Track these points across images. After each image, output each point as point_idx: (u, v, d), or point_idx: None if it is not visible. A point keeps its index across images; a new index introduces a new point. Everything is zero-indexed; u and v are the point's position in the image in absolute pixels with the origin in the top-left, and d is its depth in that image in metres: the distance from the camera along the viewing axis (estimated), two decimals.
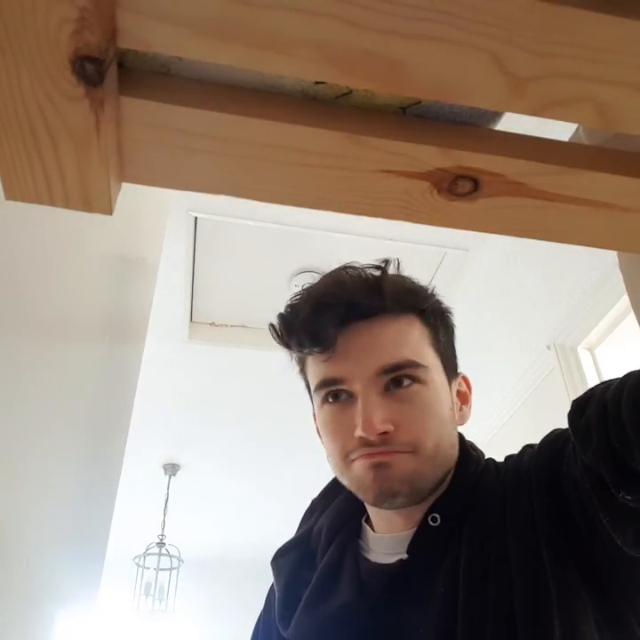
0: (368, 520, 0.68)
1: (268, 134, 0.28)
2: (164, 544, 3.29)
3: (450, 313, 0.69)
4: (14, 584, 0.80)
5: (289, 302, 0.65)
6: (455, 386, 0.66)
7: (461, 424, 0.66)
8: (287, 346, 0.64)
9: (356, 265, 0.64)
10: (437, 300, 0.67)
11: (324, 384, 0.62)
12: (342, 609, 0.59)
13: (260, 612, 0.74)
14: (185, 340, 2.40)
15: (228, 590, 3.96)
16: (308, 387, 0.68)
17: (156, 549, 3.27)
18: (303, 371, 0.68)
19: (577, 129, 0.41)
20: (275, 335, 0.65)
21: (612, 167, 0.31)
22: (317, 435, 0.71)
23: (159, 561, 3.26)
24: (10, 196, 0.28)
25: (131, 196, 1.17)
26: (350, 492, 0.69)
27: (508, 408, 2.47)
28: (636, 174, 0.31)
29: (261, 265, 2.16)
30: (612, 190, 0.32)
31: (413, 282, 0.67)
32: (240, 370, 2.60)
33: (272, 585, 0.72)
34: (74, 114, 0.24)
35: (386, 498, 0.59)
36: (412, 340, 0.62)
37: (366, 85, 0.26)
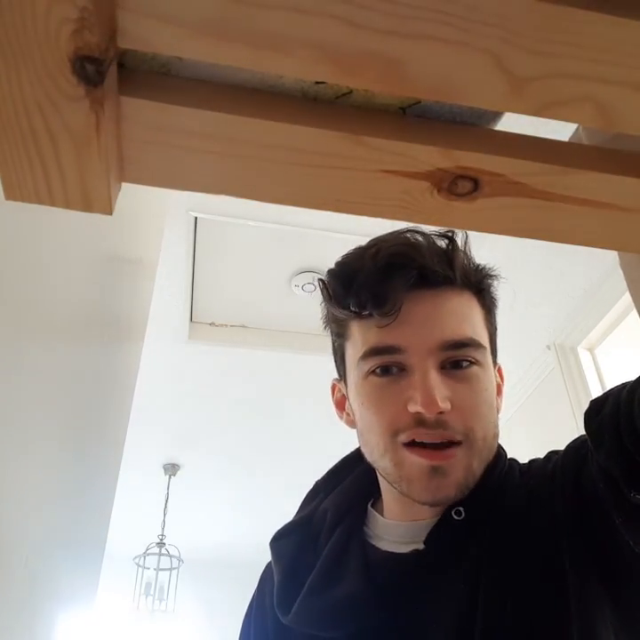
0: (374, 505, 0.65)
1: (268, 134, 0.28)
2: (164, 544, 3.29)
3: (497, 296, 0.66)
4: (13, 584, 0.80)
5: (340, 260, 0.60)
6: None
7: (497, 413, 0.63)
8: (341, 305, 0.59)
9: (421, 230, 0.60)
10: (495, 283, 0.64)
11: (376, 352, 0.57)
12: (350, 598, 0.56)
13: (252, 595, 0.71)
14: (185, 340, 2.40)
15: (227, 590, 3.95)
16: (341, 356, 0.64)
17: (156, 549, 3.28)
18: (342, 336, 0.62)
19: (577, 129, 0.41)
20: (326, 293, 0.60)
21: (612, 167, 0.31)
22: (339, 410, 0.67)
23: (159, 561, 3.26)
24: (10, 196, 0.28)
25: (128, 195, 1.17)
26: (358, 476, 0.67)
27: (507, 408, 2.47)
28: (636, 174, 0.31)
29: (261, 265, 2.16)
30: (612, 190, 0.32)
31: (475, 260, 0.63)
32: (240, 370, 2.60)
33: (267, 566, 0.69)
34: (74, 114, 0.24)
35: (439, 503, 0.56)
36: (474, 318, 0.59)
37: (366, 85, 0.26)
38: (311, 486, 0.73)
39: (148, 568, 3.28)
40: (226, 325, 2.43)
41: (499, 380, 0.65)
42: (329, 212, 0.33)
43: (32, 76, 0.23)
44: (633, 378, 0.47)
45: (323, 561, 0.61)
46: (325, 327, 0.66)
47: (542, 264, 1.99)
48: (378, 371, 0.57)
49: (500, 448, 0.63)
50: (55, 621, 1.07)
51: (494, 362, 0.64)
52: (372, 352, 0.57)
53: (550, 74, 0.25)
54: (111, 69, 0.24)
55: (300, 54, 0.24)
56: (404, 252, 0.57)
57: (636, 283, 0.45)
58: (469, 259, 0.62)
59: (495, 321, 0.64)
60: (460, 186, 0.31)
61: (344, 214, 0.32)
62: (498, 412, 0.63)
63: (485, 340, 0.59)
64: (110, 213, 0.29)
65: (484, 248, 2.01)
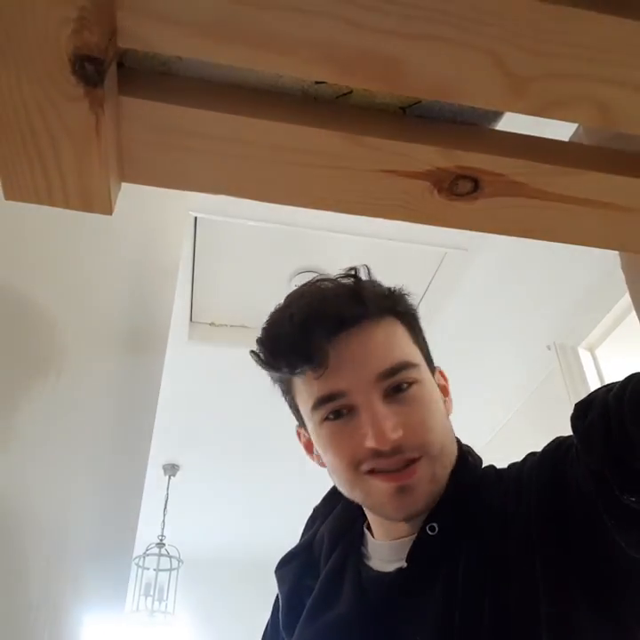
0: (369, 526, 0.68)
1: (268, 134, 0.28)
2: (164, 545, 3.29)
3: (417, 311, 0.69)
4: (32, 584, 0.80)
5: (265, 327, 0.64)
6: (435, 380, 0.66)
7: (448, 416, 0.66)
8: (275, 369, 0.63)
9: (328, 277, 0.64)
10: (409, 300, 0.67)
11: (323, 400, 0.60)
12: (342, 618, 0.59)
13: (268, 618, 0.74)
14: (185, 340, 2.40)
15: (227, 591, 3.95)
16: (295, 408, 0.67)
17: (156, 550, 3.27)
18: (289, 392, 0.66)
19: (577, 129, 0.41)
20: (259, 361, 0.63)
21: (611, 167, 0.31)
22: (308, 453, 0.70)
23: (159, 561, 3.26)
24: (10, 196, 0.28)
25: (151, 204, 1.17)
26: (349, 501, 0.68)
27: (507, 408, 2.47)
28: (636, 174, 0.31)
29: (261, 265, 2.16)
30: (612, 190, 0.32)
31: (384, 285, 0.66)
32: (240, 370, 2.59)
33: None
34: (73, 114, 0.24)
35: (410, 519, 0.59)
36: (399, 342, 0.62)
37: (366, 85, 0.26)
38: (311, 512, 0.77)
39: (148, 568, 3.28)
40: (226, 325, 2.42)
41: (442, 381, 0.68)
42: (329, 212, 0.33)
43: (32, 76, 0.23)
44: (616, 380, 0.47)
45: (319, 585, 0.65)
46: (274, 386, 0.69)
47: (542, 264, 1.99)
48: (330, 416, 0.60)
49: (466, 456, 0.64)
50: (78, 622, 1.07)
51: (433, 369, 0.66)
52: (320, 402, 0.60)
53: (550, 74, 0.25)
54: (111, 69, 0.24)
55: (301, 54, 0.24)
56: (315, 306, 0.61)
57: (636, 283, 0.45)
58: (377, 288, 0.65)
59: (421, 334, 0.67)
60: (460, 186, 0.31)
61: (344, 214, 0.32)
62: (449, 413, 0.66)
63: (417, 357, 0.63)
64: (110, 213, 0.29)
65: (484, 248, 2.01)
